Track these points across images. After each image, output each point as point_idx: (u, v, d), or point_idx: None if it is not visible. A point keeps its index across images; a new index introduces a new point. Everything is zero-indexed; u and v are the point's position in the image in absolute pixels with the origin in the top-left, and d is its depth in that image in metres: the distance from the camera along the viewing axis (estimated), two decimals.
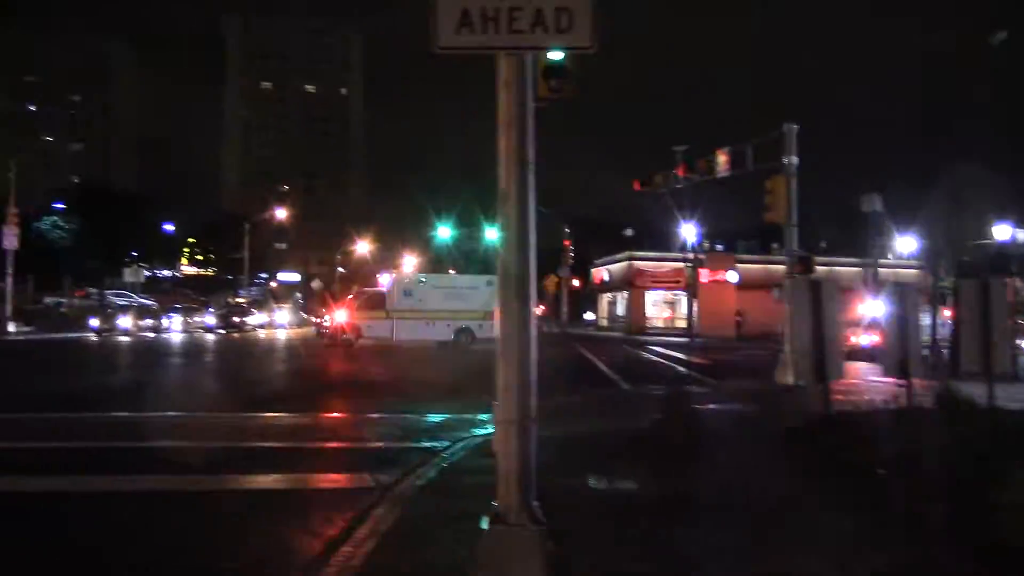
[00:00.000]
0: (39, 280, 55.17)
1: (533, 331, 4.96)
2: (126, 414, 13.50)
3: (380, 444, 11.19)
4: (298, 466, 9.72)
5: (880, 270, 55.59)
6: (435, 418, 13.58)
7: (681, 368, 27.57)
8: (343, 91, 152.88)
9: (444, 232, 56.59)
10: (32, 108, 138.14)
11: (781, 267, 60.37)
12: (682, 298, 61.16)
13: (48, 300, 55.13)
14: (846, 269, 56.64)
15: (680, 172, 26.17)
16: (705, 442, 10.46)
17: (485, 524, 4.78)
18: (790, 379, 20.94)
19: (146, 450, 10.41)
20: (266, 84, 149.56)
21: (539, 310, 39.32)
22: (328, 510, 7.59)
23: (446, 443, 11.08)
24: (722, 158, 24.10)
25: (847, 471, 8.15)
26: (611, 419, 13.36)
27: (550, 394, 11.26)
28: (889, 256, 63.29)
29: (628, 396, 17.64)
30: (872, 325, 28.63)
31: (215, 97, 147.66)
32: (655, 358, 32.37)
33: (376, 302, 35.24)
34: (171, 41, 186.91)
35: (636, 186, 28.62)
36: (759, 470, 8.71)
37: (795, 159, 21.34)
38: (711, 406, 15.15)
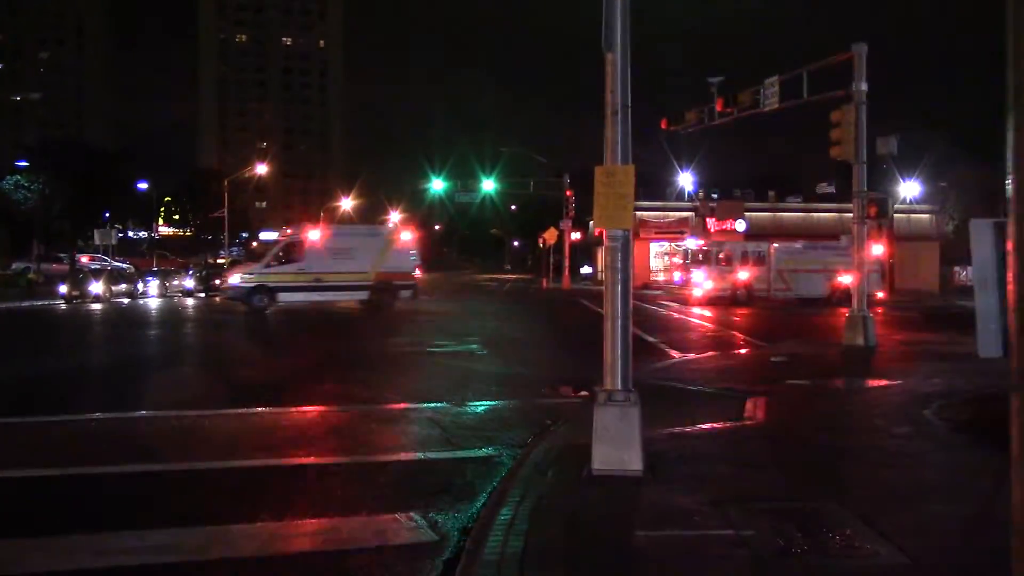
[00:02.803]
0: (6, 245, 51.63)
1: None
2: (93, 416, 10.51)
3: (417, 455, 8.28)
4: (300, 498, 6.81)
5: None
6: (475, 409, 10.72)
7: (718, 328, 24.82)
8: (321, 43, 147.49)
9: (437, 185, 53.49)
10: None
11: (789, 215, 58.30)
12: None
13: (16, 266, 51.64)
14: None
15: (719, 107, 23.04)
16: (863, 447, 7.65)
17: None
18: (861, 340, 18.27)
19: (93, 480, 7.46)
20: (241, 36, 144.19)
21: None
22: None
23: (509, 450, 8.21)
24: (771, 88, 21.00)
25: None
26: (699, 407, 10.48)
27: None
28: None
29: (695, 371, 14.71)
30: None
31: (189, 50, 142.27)
32: (680, 316, 29.62)
33: None
34: None
35: (663, 125, 25.44)
36: None
37: (864, 86, 18.35)
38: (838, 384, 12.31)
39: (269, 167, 77.59)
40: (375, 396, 11.62)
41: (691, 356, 16.23)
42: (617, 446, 6.73)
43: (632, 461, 6.71)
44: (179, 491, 7.11)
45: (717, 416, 9.45)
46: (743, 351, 17.67)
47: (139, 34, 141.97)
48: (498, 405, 11.03)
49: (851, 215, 21.41)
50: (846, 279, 38.31)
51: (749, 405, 10.04)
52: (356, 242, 30.27)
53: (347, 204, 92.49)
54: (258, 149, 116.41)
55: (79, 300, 38.88)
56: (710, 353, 16.91)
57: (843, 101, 18.68)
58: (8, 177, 46.13)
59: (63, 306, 37.04)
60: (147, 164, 73.55)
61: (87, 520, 6.21)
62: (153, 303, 39.66)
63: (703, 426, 8.89)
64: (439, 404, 10.85)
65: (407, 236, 31.64)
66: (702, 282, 39.09)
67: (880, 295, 39.25)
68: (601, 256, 61.71)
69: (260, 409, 10.53)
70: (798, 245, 41.53)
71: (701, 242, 41.51)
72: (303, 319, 28.44)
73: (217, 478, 7.52)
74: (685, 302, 37.63)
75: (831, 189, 60.65)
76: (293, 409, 10.58)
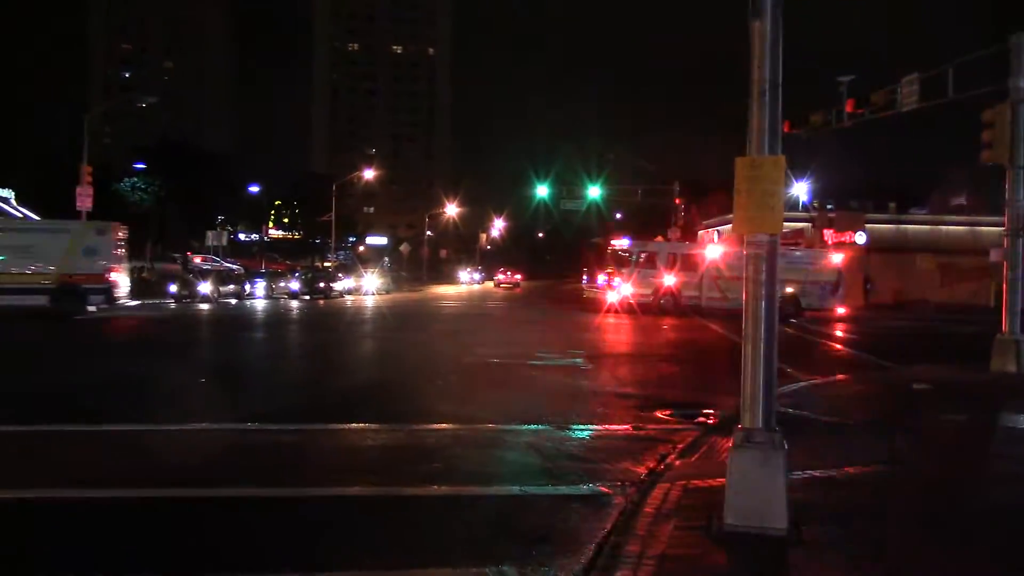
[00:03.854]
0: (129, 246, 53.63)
1: None
2: (139, 427, 9.89)
3: (513, 489, 7.20)
4: (373, 540, 5.83)
5: None
6: (579, 433, 9.60)
7: (839, 346, 22.96)
8: (431, 51, 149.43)
9: (542, 191, 52.68)
10: (126, 75, 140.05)
11: (915, 227, 54.81)
12: None
13: (132, 265, 53.44)
14: None
15: (848, 108, 21.30)
16: None
17: None
18: (1012, 367, 16.26)
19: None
20: (353, 45, 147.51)
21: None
22: None
23: (619, 488, 7.04)
24: (911, 87, 19.17)
25: None
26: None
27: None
28: None
29: (827, 397, 13.15)
30: None
31: (304, 58, 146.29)
32: (795, 332, 27.71)
33: None
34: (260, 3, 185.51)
35: (786, 128, 23.76)
36: None
37: None
38: (1004, 421, 10.57)
39: (376, 172, 78.52)
40: (469, 413, 10.64)
41: (819, 379, 14.61)
42: (756, 498, 5.50)
43: (774, 517, 5.46)
44: (217, 526, 6.24)
45: (866, 456, 8.04)
46: (877, 374, 15.96)
47: (258, 43, 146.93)
48: (606, 430, 9.89)
49: (986, 228, 19.12)
50: (790, 290, 34.21)
51: (901, 444, 8.58)
52: (34, 239, 26.65)
53: (451, 210, 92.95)
54: (366, 155, 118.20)
55: (188, 300, 39.71)
56: (841, 376, 15.28)
57: (995, 99, 16.78)
58: (126, 179, 47.81)
59: (172, 305, 37.85)
60: (261, 168, 75.64)
61: (133, 558, 5.41)
62: (258, 304, 40.14)
63: (850, 470, 7.51)
64: (540, 426, 9.78)
65: (103, 233, 27.18)
66: (619, 286, 35.93)
67: (841, 310, 36.29)
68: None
69: (332, 426, 9.68)
70: (738, 249, 37.86)
71: (626, 243, 38.11)
72: (375, 321, 27.92)
73: (267, 512, 6.64)
74: (598, 309, 34.61)
75: (962, 200, 56.88)
76: (379, 426, 9.68)
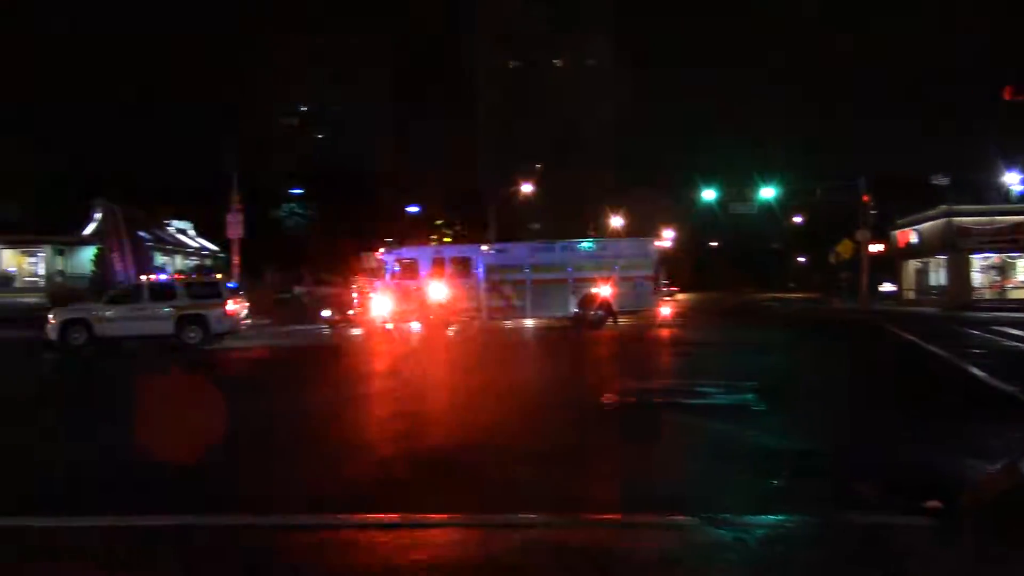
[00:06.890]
0: (287, 271, 54.16)
1: None
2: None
3: None
4: None
5: None
6: (747, 532, 6.21)
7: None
8: (591, 62, 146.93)
9: (708, 194, 48.64)
10: (303, 108, 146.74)
11: None
12: (1019, 261, 48.54)
13: (298, 290, 53.74)
14: None
15: None
16: None
17: None
18: None
19: None
20: (514, 63, 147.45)
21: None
22: None
23: None
24: None
25: None
26: None
27: None
28: None
29: None
30: None
31: (466, 79, 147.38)
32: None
33: None
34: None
35: (1007, 94, 19.13)
36: None
37: None
38: None
39: (537, 187, 76.68)
40: (571, 491, 7.45)
41: None
42: None
43: None
44: None
45: None
46: None
47: (420, 68, 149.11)
48: (781, 526, 6.43)
49: None
50: (604, 290, 28.81)
51: None
52: None
53: (616, 222, 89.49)
54: (530, 170, 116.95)
55: (342, 325, 38.61)
56: None
57: None
58: (284, 205, 48.15)
59: (325, 330, 36.78)
60: (424, 189, 75.37)
61: None
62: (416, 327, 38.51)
63: None
64: (677, 520, 6.47)
65: None
66: (370, 304, 31.44)
67: (665, 312, 30.51)
68: (905, 271, 52.47)
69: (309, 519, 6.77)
70: (523, 247, 32.26)
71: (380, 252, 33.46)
72: (521, 345, 24.98)
73: None
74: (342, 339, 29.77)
75: None
76: (406, 535, 6.69)
